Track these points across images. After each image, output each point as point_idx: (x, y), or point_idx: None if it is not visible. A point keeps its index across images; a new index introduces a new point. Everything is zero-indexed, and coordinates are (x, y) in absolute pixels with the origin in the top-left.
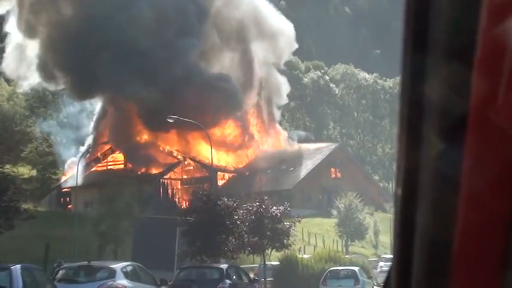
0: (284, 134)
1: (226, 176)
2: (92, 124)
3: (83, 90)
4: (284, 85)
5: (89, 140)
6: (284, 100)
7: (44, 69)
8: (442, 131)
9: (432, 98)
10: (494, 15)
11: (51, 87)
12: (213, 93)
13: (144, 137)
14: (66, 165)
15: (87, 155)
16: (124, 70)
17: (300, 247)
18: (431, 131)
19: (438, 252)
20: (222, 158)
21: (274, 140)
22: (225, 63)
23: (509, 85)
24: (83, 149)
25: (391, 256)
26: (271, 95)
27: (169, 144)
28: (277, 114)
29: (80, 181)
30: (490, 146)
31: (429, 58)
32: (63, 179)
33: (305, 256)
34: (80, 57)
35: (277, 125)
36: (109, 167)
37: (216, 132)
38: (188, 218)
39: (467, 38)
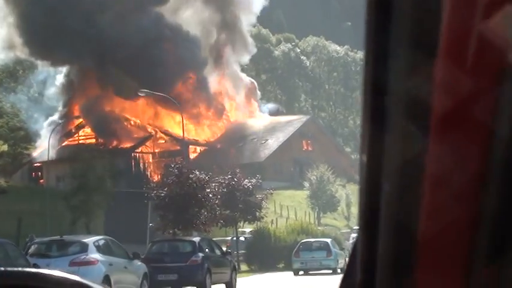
0: (255, 106)
1: (198, 149)
2: (62, 98)
3: (48, 56)
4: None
5: (60, 114)
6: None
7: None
8: (407, 118)
9: (396, 86)
10: (461, 7)
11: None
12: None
13: (114, 109)
14: (37, 140)
15: (58, 129)
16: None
17: (272, 219)
18: (396, 118)
19: (404, 216)
20: (193, 131)
21: (245, 113)
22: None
23: (474, 74)
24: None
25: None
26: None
27: (140, 118)
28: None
29: (51, 155)
30: (449, 139)
31: (393, 45)
32: (35, 153)
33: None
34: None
35: (255, 92)
36: (80, 141)
37: (187, 105)
38: (160, 191)
39: (431, 24)
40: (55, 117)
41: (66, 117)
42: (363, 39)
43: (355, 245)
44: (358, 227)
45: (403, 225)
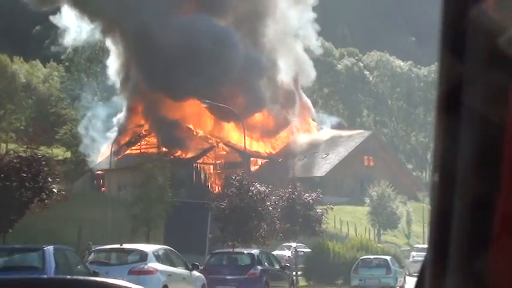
0: (317, 120)
1: (259, 161)
2: (125, 107)
3: None
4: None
5: (123, 123)
6: (310, 82)
7: None
8: (479, 115)
9: (468, 87)
10: None
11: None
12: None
13: (177, 118)
14: (100, 148)
15: (121, 138)
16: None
17: (332, 235)
18: (468, 113)
19: (476, 239)
20: (255, 144)
21: (307, 127)
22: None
23: None
24: (116, 131)
25: (424, 246)
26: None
27: (202, 128)
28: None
29: (113, 164)
30: None
31: (467, 65)
32: (97, 161)
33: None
34: None
35: (311, 111)
36: (143, 150)
37: (249, 117)
38: (220, 203)
39: (506, 48)
40: (117, 124)
41: (129, 125)
42: (434, 48)
43: (423, 266)
44: (427, 246)
45: (475, 245)
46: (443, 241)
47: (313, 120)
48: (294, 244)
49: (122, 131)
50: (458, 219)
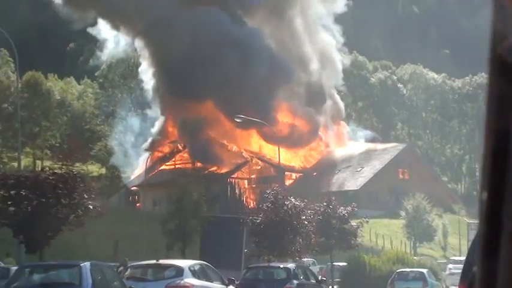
0: (352, 134)
1: (294, 175)
2: (159, 123)
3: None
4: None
5: (157, 139)
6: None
7: None
8: None
9: None
10: None
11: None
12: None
13: (212, 134)
14: (135, 164)
15: (155, 154)
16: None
17: (368, 248)
18: None
19: None
20: (288, 157)
21: (341, 140)
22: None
23: None
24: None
25: (461, 258)
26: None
27: (236, 143)
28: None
29: (148, 179)
30: None
31: None
32: (132, 177)
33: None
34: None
35: (345, 125)
36: (177, 166)
37: (283, 131)
38: (255, 217)
39: None
40: (152, 140)
41: (163, 141)
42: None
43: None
44: (477, 262)
45: None
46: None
47: (344, 122)
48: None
49: (156, 146)
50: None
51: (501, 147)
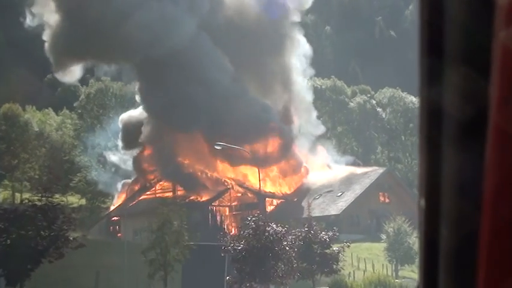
0: (331, 159)
1: (275, 202)
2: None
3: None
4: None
5: (137, 169)
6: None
7: None
8: (459, 137)
9: (448, 105)
10: (510, 23)
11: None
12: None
13: (191, 162)
14: (115, 194)
15: (135, 184)
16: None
17: (350, 272)
18: (449, 137)
19: (462, 260)
20: (269, 184)
21: (321, 165)
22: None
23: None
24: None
25: None
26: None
27: (217, 171)
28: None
29: (129, 209)
30: (508, 152)
31: (445, 66)
32: (112, 207)
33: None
34: None
35: (324, 150)
36: (157, 195)
37: (263, 158)
38: (237, 244)
39: (481, 46)
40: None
41: (143, 171)
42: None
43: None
44: (418, 273)
45: (461, 273)
46: (432, 268)
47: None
48: None
49: (136, 176)
50: (445, 247)
51: (435, 154)
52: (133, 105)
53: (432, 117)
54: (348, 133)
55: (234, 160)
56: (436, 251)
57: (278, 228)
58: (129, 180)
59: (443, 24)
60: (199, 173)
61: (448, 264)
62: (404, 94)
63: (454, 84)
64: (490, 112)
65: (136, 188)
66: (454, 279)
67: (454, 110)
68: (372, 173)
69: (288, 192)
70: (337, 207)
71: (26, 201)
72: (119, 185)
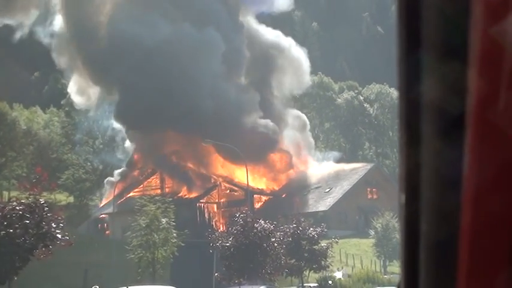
0: (319, 155)
1: (263, 198)
2: (126, 149)
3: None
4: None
5: (125, 166)
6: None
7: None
8: (440, 130)
9: (429, 97)
10: (491, 14)
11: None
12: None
13: (180, 159)
14: (103, 192)
15: (124, 181)
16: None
17: (338, 268)
18: (430, 130)
19: (443, 255)
20: (258, 180)
21: (309, 162)
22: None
23: (509, 85)
24: (118, 174)
25: None
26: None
27: (205, 167)
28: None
29: (117, 207)
30: (490, 146)
31: (424, 56)
32: (101, 205)
33: (338, 274)
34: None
35: (312, 146)
36: (145, 192)
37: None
38: (225, 241)
39: (461, 36)
40: (120, 168)
41: (131, 168)
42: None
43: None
44: (400, 268)
45: (441, 269)
46: (413, 262)
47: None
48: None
49: (124, 173)
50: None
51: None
52: None
53: (412, 110)
54: (335, 129)
55: (222, 156)
56: (417, 246)
57: (266, 225)
58: (112, 178)
59: (422, 12)
60: (187, 170)
61: (429, 260)
62: (391, 90)
63: (435, 76)
64: (473, 105)
65: (125, 185)
66: (435, 275)
67: (436, 103)
68: (359, 169)
69: (276, 188)
70: (325, 203)
71: (14, 199)
72: (105, 183)
